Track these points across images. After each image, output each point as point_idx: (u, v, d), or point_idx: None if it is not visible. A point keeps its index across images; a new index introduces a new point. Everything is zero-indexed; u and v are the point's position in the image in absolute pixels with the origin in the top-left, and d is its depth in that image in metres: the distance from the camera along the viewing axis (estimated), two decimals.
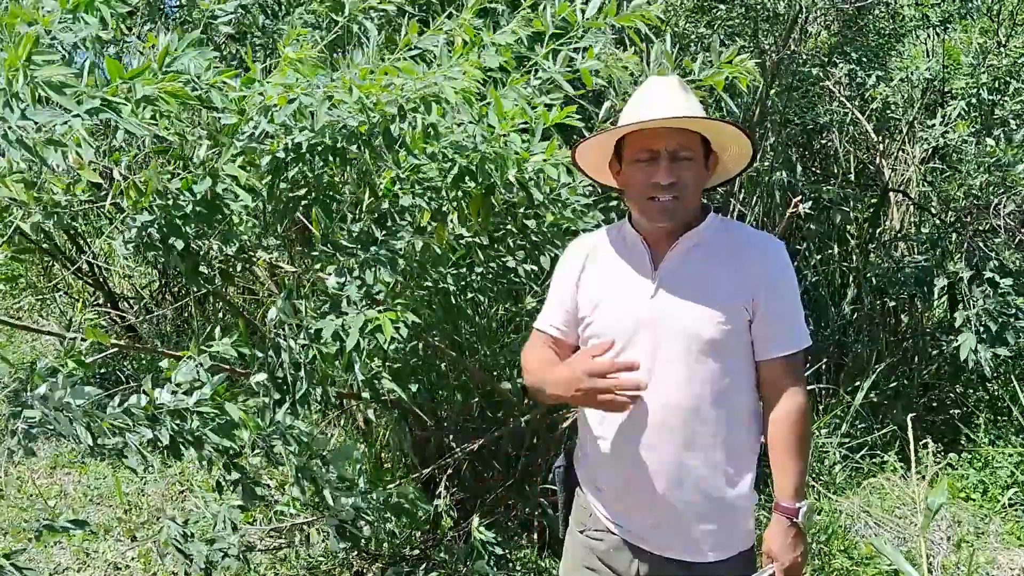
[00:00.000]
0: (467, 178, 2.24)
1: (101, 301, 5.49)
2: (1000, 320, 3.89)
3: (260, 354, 2.18)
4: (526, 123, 2.34)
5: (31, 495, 4.11)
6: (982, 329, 3.92)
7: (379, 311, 2.14)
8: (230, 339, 2.09)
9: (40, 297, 5.99)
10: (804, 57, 4.50)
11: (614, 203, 2.86)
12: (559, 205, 2.50)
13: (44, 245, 5.12)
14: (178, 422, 1.96)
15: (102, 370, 4.89)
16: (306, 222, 2.53)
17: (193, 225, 2.11)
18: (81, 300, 5.68)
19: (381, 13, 2.65)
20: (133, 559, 3.62)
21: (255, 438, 2.06)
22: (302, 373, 2.13)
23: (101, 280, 5.36)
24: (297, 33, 2.45)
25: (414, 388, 3.41)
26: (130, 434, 1.89)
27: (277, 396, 2.17)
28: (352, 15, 2.55)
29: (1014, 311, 3.89)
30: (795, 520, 1.89)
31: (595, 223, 2.56)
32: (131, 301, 5.65)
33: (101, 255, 5.41)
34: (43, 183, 2.05)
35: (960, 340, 4.03)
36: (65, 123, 1.53)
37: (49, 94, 1.50)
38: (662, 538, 1.94)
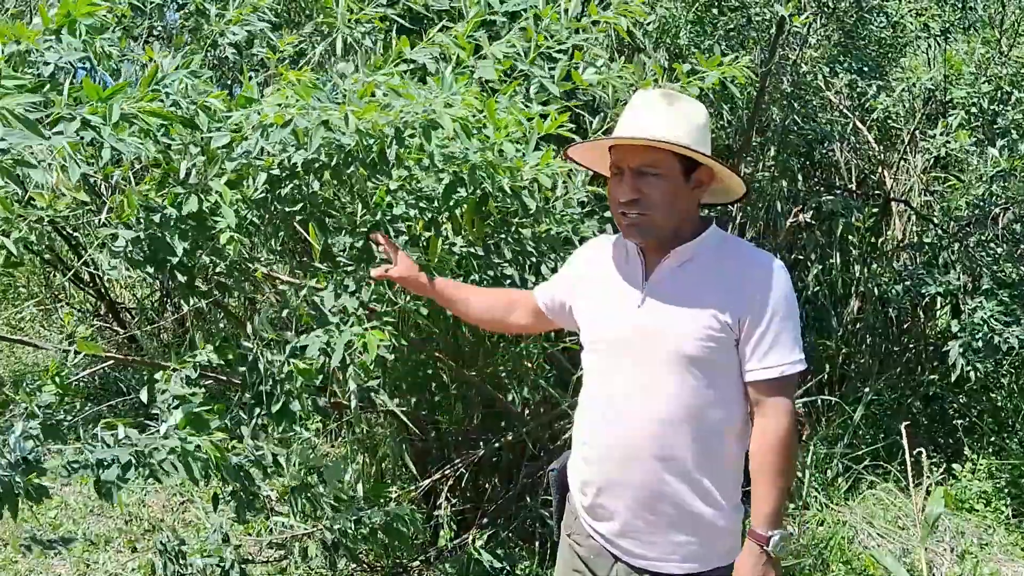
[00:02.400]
0: (459, 187, 2.24)
1: (103, 312, 5.49)
2: (991, 332, 3.85)
3: (242, 368, 2.16)
4: (521, 133, 2.34)
5: (31, 506, 4.10)
6: (976, 337, 3.89)
7: (366, 328, 2.12)
8: (213, 346, 2.08)
9: (42, 308, 6.00)
10: (803, 68, 4.50)
11: (609, 213, 2.85)
12: (552, 215, 2.50)
13: (46, 256, 5.14)
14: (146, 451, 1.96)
15: (102, 382, 4.90)
16: (306, 235, 2.54)
17: (187, 241, 2.10)
18: (69, 311, 5.69)
19: (371, 25, 2.65)
20: (133, 570, 3.61)
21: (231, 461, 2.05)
22: (279, 388, 2.10)
23: (103, 291, 5.37)
24: (288, 42, 2.46)
25: (414, 399, 3.41)
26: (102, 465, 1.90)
27: (254, 410, 2.15)
28: (344, 25, 2.55)
29: (1008, 322, 3.86)
30: (765, 548, 1.85)
31: (591, 233, 2.56)
32: (133, 312, 5.65)
33: (102, 266, 5.42)
34: (25, 199, 2.04)
35: (949, 347, 4.01)
36: (44, 144, 1.52)
37: (11, 123, 1.47)
38: (637, 547, 1.94)
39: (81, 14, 1.97)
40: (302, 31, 2.62)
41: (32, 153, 1.61)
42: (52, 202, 2.06)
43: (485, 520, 3.49)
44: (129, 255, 2.10)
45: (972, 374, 3.91)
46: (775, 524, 1.85)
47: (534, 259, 2.53)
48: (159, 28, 2.99)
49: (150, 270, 2.15)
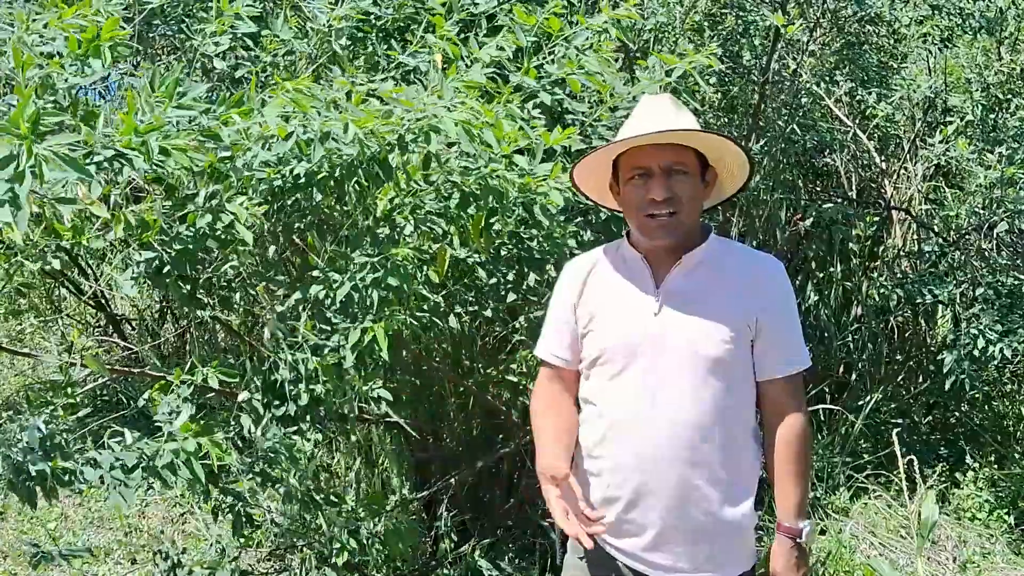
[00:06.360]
0: (470, 204, 2.22)
1: (103, 323, 5.48)
2: (987, 342, 3.83)
3: (253, 372, 2.15)
4: (527, 144, 2.31)
5: (31, 517, 4.10)
6: (968, 347, 3.86)
7: (371, 321, 2.09)
8: (213, 367, 2.08)
9: (43, 319, 5.99)
10: (803, 76, 4.50)
11: (593, 216, 2.82)
12: (559, 225, 2.49)
13: (46, 268, 5.13)
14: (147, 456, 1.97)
15: (104, 393, 4.89)
16: (306, 248, 2.52)
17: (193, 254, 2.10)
18: (71, 323, 5.67)
19: (353, 30, 2.64)
20: None
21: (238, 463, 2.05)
22: (302, 386, 2.09)
23: (103, 303, 5.36)
24: (270, 50, 2.45)
25: (415, 409, 3.40)
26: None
27: (272, 408, 2.14)
28: (329, 32, 2.54)
29: (1003, 332, 3.83)
30: (798, 540, 1.88)
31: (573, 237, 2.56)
32: (133, 324, 5.65)
33: (103, 279, 5.41)
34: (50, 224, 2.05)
35: (943, 356, 3.99)
36: (79, 179, 1.54)
37: (59, 165, 1.48)
38: (664, 558, 1.92)
39: (107, 38, 1.99)
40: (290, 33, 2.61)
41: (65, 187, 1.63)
42: (78, 230, 2.06)
43: (485, 530, 3.48)
44: (147, 275, 2.11)
45: (966, 383, 3.89)
46: (803, 515, 1.89)
47: (534, 257, 2.49)
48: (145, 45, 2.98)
49: (162, 285, 2.15)
